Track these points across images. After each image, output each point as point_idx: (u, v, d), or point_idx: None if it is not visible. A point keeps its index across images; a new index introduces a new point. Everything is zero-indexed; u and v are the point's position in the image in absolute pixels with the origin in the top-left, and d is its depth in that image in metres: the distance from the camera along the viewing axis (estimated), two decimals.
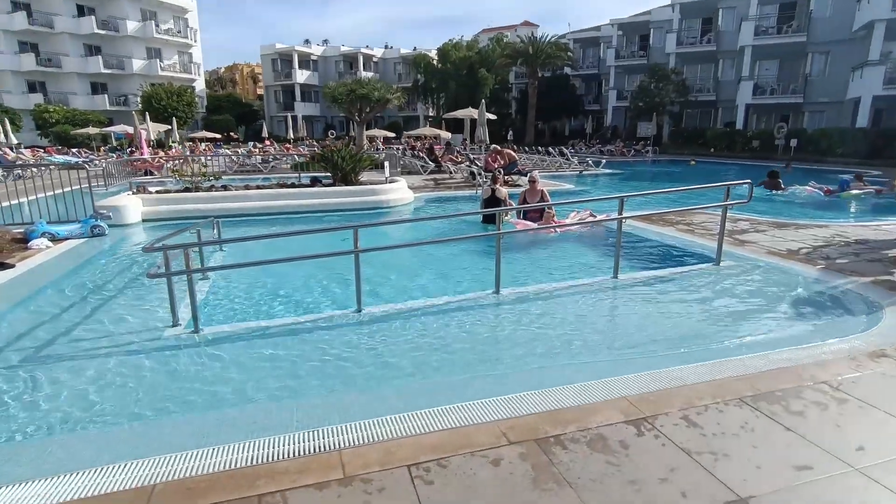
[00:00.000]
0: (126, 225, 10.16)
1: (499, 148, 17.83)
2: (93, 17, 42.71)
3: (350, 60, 57.28)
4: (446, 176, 19.28)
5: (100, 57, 43.54)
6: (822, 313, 5.27)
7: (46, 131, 38.26)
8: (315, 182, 12.79)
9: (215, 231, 8.37)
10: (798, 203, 13.57)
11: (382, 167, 14.38)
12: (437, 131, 31.92)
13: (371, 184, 12.94)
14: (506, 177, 16.67)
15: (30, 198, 11.26)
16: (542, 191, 10.16)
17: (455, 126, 38.11)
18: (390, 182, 13.01)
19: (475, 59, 47.36)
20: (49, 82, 42.89)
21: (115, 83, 45.02)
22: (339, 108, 24.89)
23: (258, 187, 12.28)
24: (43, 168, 16.58)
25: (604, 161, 22.98)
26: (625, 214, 9.77)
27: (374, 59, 59.21)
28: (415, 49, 57.04)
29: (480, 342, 4.73)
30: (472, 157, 19.63)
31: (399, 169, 17.17)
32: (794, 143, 27.81)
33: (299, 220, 11.13)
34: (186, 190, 11.62)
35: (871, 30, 25.84)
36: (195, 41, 50.42)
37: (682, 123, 38.31)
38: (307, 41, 57.75)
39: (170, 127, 31.42)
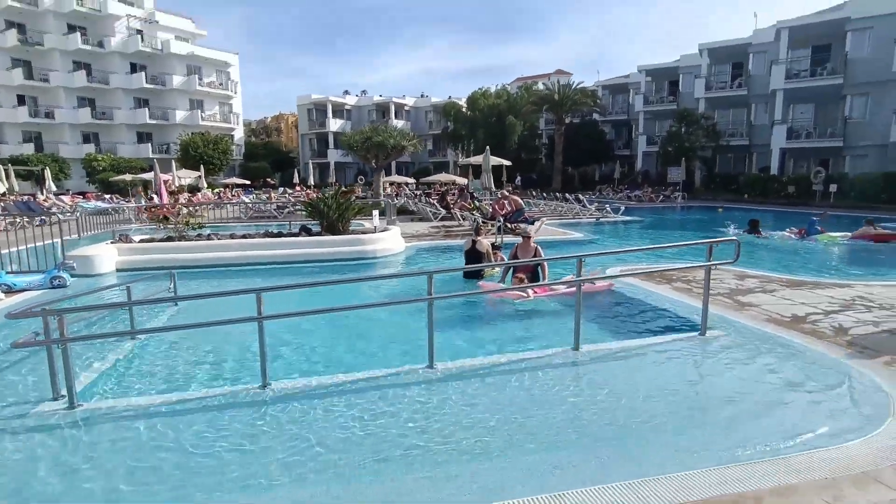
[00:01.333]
0: (96, 275, 9.94)
1: (505, 193, 17.29)
2: (143, 74, 45.71)
3: (382, 109, 58.76)
4: (455, 224, 18.77)
5: (147, 109, 46.27)
6: (807, 407, 4.23)
7: (94, 178, 40.43)
8: (303, 230, 12.46)
9: (171, 284, 8.04)
10: (808, 254, 13.11)
11: (381, 214, 14.01)
12: (453, 177, 31.71)
13: (359, 233, 12.51)
14: (512, 225, 16.03)
15: (28, 246, 11.32)
16: (536, 247, 9.36)
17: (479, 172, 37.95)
18: (380, 231, 12.55)
19: (504, 107, 47.59)
20: (101, 133, 45.73)
21: (159, 133, 47.52)
22: (356, 154, 25.19)
23: (244, 237, 12.03)
24: (69, 214, 17.14)
25: (623, 208, 21.96)
26: (618, 272, 8.93)
27: (406, 108, 60.57)
28: (449, 98, 58.04)
29: (370, 436, 3.91)
30: (477, 203, 19.10)
31: (394, 217, 16.76)
32: (833, 188, 26.11)
33: (281, 272, 10.70)
34: (169, 239, 11.48)
35: None
36: (235, 93, 53.03)
37: (716, 168, 36.94)
38: (346, 91, 59.79)
39: (199, 174, 32.48)
